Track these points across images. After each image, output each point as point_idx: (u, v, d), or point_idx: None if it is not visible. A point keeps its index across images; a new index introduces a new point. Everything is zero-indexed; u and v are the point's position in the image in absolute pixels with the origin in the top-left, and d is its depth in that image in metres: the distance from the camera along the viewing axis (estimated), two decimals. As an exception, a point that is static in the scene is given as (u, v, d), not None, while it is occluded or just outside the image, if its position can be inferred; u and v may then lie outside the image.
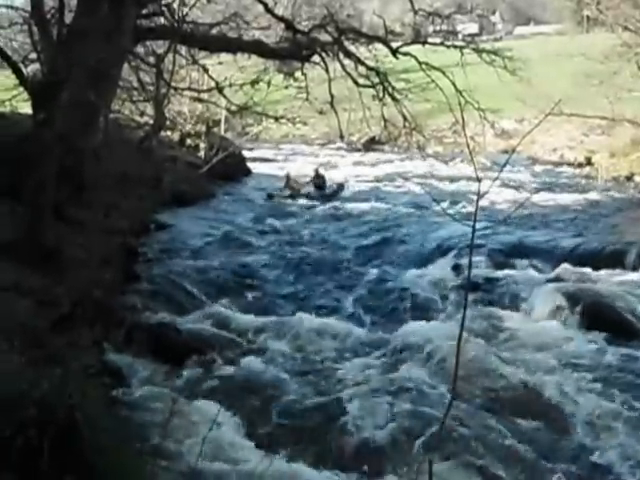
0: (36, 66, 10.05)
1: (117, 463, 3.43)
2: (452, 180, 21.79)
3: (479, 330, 8.76)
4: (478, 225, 2.51)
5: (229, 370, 7.46)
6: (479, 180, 2.34)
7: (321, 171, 20.71)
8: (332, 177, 23.06)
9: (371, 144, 33.22)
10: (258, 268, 11.91)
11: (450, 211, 14.27)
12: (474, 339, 8.21)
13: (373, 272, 11.57)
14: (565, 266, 10.95)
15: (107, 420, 3.68)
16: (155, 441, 4.88)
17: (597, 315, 8.91)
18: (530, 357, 7.82)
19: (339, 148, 32.58)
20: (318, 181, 20.00)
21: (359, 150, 32.48)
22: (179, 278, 10.61)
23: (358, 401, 6.71)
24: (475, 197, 2.50)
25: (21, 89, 8.91)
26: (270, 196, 19.17)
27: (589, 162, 23.67)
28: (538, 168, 25.00)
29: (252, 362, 7.77)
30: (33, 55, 10.04)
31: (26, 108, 9.77)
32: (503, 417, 6.52)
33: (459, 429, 6.04)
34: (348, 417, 6.45)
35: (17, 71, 8.69)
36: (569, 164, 25.29)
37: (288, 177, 19.75)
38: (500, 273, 10.89)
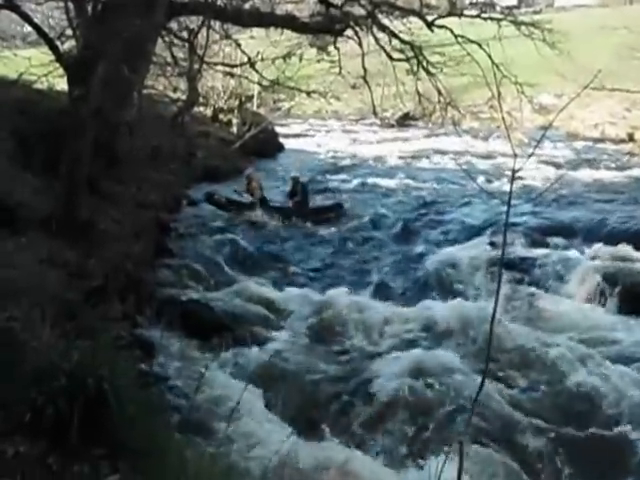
0: (72, 43, 10.08)
1: (145, 435, 3.45)
2: (488, 157, 21.45)
3: (513, 310, 8.67)
4: (514, 202, 2.42)
5: (257, 346, 7.48)
6: (515, 156, 2.25)
7: (301, 178, 14.61)
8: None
9: (405, 120, 32.82)
10: (288, 244, 11.95)
11: (486, 188, 14.04)
12: (508, 319, 8.14)
13: (407, 250, 11.49)
14: (604, 246, 10.69)
15: (136, 392, 3.66)
16: (183, 414, 4.94)
17: (637, 297, 8.68)
18: (565, 340, 7.62)
19: (372, 124, 32.25)
20: (297, 196, 13.92)
21: (393, 126, 32.11)
22: (210, 253, 10.71)
23: (386, 380, 6.67)
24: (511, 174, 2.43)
25: (57, 65, 8.86)
26: (210, 198, 13.93)
27: (631, 138, 23.03)
28: (578, 144, 24.38)
29: (280, 338, 7.83)
30: (69, 32, 10.04)
31: (62, 84, 9.82)
32: (535, 399, 6.42)
33: (491, 410, 5.96)
34: (376, 396, 6.42)
35: (53, 48, 8.68)
36: (610, 140, 24.63)
37: (250, 178, 14.57)
38: (536, 252, 10.66)
